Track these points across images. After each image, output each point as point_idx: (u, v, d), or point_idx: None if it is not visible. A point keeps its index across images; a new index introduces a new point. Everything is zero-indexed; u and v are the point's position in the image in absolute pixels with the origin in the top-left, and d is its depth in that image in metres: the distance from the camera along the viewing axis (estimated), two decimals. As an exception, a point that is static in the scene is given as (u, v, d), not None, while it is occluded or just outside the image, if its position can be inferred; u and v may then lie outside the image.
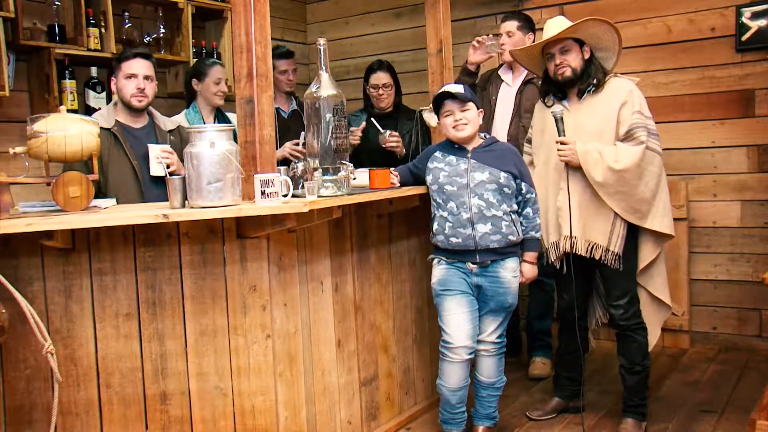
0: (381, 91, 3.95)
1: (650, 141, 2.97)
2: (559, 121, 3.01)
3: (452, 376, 2.91)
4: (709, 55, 4.18)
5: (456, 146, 2.97)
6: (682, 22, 4.24)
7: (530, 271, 3.02)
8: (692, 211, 4.28)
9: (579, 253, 3.04)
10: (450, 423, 3.01)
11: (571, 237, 3.02)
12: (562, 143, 2.99)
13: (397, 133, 3.85)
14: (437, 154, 3.02)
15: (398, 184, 3.07)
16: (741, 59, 4.10)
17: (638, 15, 4.33)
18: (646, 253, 3.07)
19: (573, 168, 3.00)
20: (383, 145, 3.84)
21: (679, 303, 4.20)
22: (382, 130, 3.83)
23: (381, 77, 3.96)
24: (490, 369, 2.98)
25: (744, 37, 4.05)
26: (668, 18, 4.27)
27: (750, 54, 4.07)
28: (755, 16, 4.02)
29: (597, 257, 3.01)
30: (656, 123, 3.06)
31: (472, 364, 3.00)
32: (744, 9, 4.03)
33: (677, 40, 4.26)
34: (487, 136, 3.02)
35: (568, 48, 3.03)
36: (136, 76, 2.99)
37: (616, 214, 2.98)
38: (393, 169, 3.11)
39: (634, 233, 3.04)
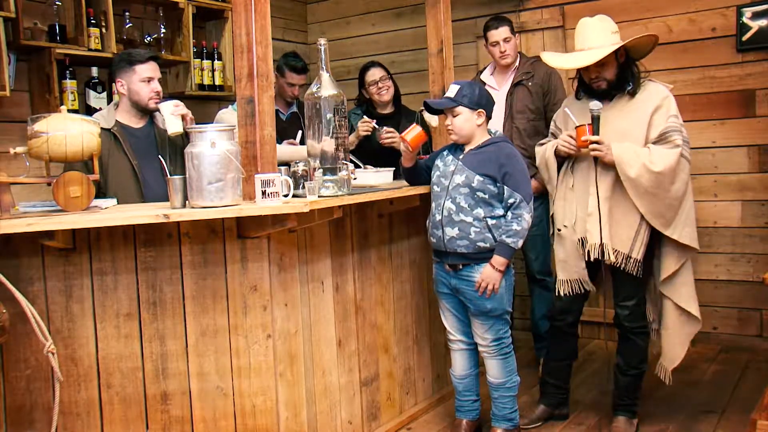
0: (380, 85, 3.94)
1: (684, 147, 2.91)
2: (596, 120, 2.90)
3: (456, 364, 3.10)
4: (710, 55, 4.18)
5: (459, 145, 2.97)
6: (682, 22, 4.24)
7: (490, 275, 2.82)
8: (693, 211, 4.29)
9: (608, 262, 2.92)
10: (459, 410, 3.14)
11: (601, 245, 2.89)
12: (596, 142, 2.88)
13: (392, 129, 3.85)
14: (444, 151, 3.04)
15: (423, 157, 3.13)
16: (742, 59, 4.10)
17: (639, 15, 4.33)
18: (669, 263, 2.99)
19: (601, 168, 2.90)
20: (381, 142, 3.85)
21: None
22: (378, 127, 3.85)
23: (376, 72, 3.96)
24: (493, 369, 2.99)
25: (745, 37, 4.05)
26: (669, 18, 4.27)
27: (751, 54, 4.07)
28: (756, 16, 4.01)
29: (617, 264, 2.92)
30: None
31: (482, 365, 3.05)
32: (745, 9, 4.03)
33: (678, 40, 4.26)
34: (496, 133, 2.97)
35: (603, 61, 2.93)
36: (152, 80, 3.03)
37: (641, 220, 2.91)
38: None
39: (652, 242, 2.98)
